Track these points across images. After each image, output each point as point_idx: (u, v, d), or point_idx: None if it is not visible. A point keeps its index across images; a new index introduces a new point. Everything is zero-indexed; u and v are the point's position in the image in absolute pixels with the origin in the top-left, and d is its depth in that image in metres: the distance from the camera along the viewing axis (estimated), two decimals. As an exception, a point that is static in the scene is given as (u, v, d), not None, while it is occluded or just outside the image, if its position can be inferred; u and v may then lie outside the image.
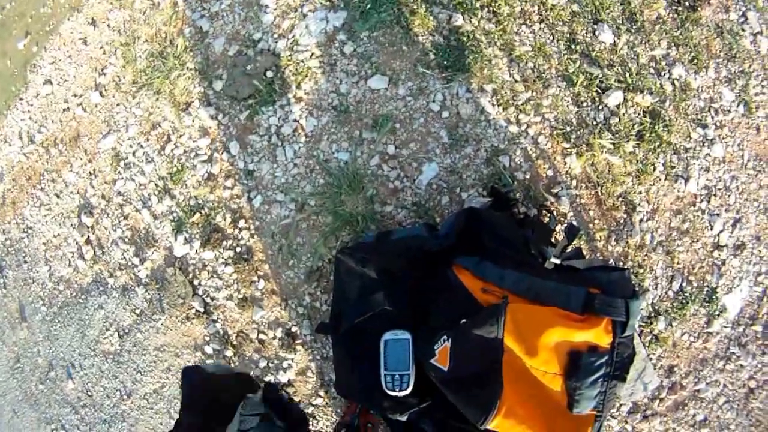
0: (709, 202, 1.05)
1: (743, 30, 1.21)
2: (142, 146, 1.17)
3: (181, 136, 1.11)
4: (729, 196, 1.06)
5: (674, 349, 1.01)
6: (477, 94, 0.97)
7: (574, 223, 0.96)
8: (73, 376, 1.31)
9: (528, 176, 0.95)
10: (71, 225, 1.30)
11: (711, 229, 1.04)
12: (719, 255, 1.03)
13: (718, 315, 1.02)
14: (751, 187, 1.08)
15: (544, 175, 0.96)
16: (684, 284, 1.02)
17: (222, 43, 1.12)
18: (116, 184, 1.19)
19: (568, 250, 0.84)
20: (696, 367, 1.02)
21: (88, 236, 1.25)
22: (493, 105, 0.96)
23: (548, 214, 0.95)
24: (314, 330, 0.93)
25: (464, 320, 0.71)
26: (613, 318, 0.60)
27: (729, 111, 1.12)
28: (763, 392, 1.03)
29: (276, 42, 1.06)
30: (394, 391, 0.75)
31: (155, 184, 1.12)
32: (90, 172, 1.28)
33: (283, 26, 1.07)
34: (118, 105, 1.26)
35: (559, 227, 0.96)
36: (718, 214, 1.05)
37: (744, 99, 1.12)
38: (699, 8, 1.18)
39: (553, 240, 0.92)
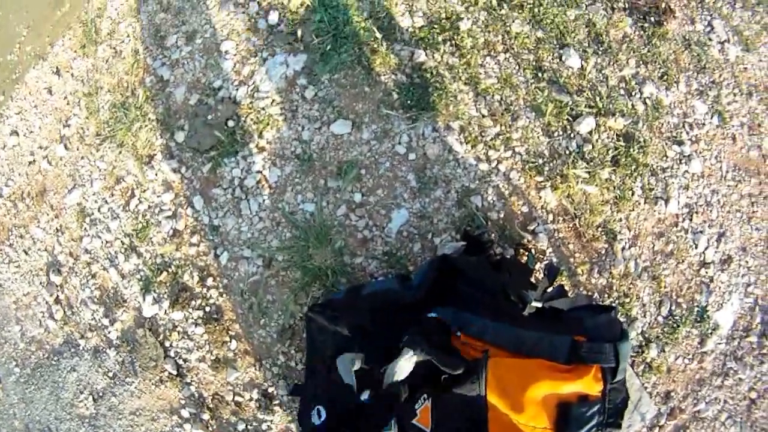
0: (691, 220, 1.03)
1: (710, 40, 1.19)
2: (107, 202, 1.14)
3: (144, 190, 1.08)
4: (711, 211, 1.04)
5: (669, 374, 0.98)
6: (444, 132, 0.94)
7: (554, 260, 0.93)
8: (51, 441, 1.26)
9: (502, 215, 0.92)
10: (40, 283, 1.26)
11: (696, 248, 1.01)
12: (706, 272, 1.01)
13: (711, 333, 0.99)
14: (732, 198, 1.06)
15: (519, 212, 0.93)
16: (673, 308, 0.99)
17: (183, 92, 1.10)
18: (83, 241, 1.16)
19: (550, 290, 0.81)
20: (693, 389, 0.99)
21: (57, 295, 1.21)
22: (461, 143, 0.94)
23: (526, 253, 0.93)
24: (289, 392, 0.89)
25: (444, 376, 0.68)
26: (602, 365, 0.57)
27: (703, 124, 1.09)
28: (765, 401, 1.00)
29: (236, 89, 1.04)
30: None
31: (121, 242, 1.09)
32: (57, 228, 1.24)
33: (243, 72, 1.05)
34: (82, 158, 1.23)
35: (538, 265, 0.93)
36: (701, 231, 1.02)
37: (717, 110, 1.11)
38: (665, 23, 1.16)
39: (533, 280, 0.90)
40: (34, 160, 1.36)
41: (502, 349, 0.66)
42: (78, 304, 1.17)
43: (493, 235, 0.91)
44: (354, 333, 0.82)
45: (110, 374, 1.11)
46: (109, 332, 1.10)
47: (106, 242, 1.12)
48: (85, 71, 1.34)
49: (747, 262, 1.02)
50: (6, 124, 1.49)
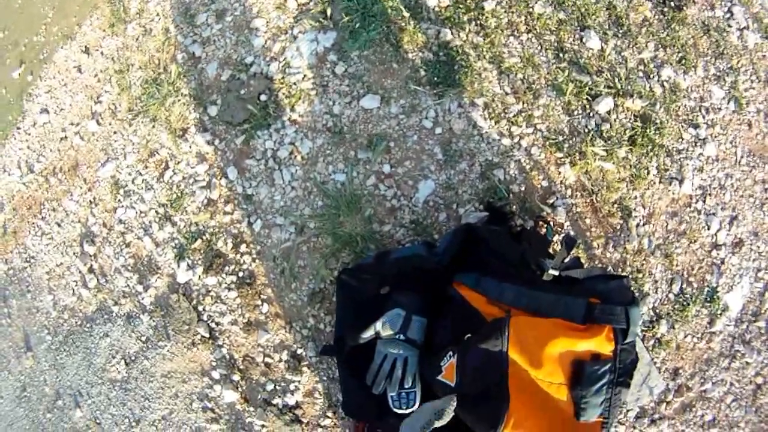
0: (704, 202, 1.06)
1: (729, 26, 1.22)
2: (140, 174, 1.20)
3: (178, 162, 1.13)
4: (724, 194, 1.08)
5: (678, 351, 1.02)
6: (468, 108, 0.99)
7: (571, 232, 0.98)
8: (81, 405, 1.32)
9: (523, 188, 0.97)
10: (73, 254, 1.32)
11: (708, 229, 1.05)
12: (718, 254, 1.05)
13: (720, 314, 1.03)
14: (745, 183, 1.10)
15: (539, 186, 0.98)
16: (684, 286, 1.03)
17: (215, 68, 1.15)
18: (117, 212, 1.21)
19: (566, 260, 0.86)
20: (701, 368, 1.03)
21: (91, 265, 1.27)
22: (485, 119, 0.98)
23: (545, 225, 0.97)
24: (319, 352, 0.94)
25: (468, 335, 0.72)
26: (614, 326, 0.62)
27: (720, 109, 1.13)
28: None
29: (268, 65, 1.09)
30: (401, 408, 0.77)
31: (156, 212, 1.14)
32: (90, 201, 1.30)
33: (274, 49, 1.10)
34: (115, 133, 1.29)
35: (556, 237, 0.97)
36: (714, 214, 1.06)
37: (734, 95, 1.14)
38: (685, 7, 1.20)
39: (550, 251, 0.94)
40: (65, 136, 1.42)
41: (521, 310, 0.71)
42: (111, 273, 1.23)
43: (514, 207, 0.96)
44: (382, 295, 0.87)
45: (143, 338, 1.18)
46: (142, 298, 1.16)
47: (140, 212, 1.18)
48: (115, 49, 1.39)
49: (758, 246, 1.06)
50: (36, 103, 1.54)
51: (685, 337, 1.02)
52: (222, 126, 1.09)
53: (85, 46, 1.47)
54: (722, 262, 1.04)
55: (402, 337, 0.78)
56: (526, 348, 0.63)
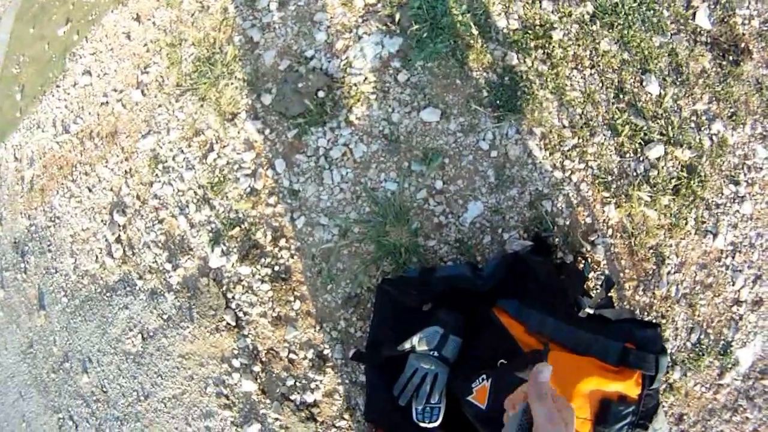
0: (734, 258, 1.05)
1: None
2: (183, 152, 1.14)
3: (225, 146, 1.08)
4: (753, 253, 1.07)
5: (686, 398, 1.03)
6: (526, 136, 0.96)
7: (608, 273, 0.96)
8: (89, 371, 1.28)
9: (568, 222, 0.94)
10: (102, 221, 1.27)
11: (733, 285, 1.04)
12: (738, 310, 1.04)
13: (731, 368, 1.03)
14: None
15: (583, 222, 0.96)
16: (702, 336, 1.03)
17: (272, 56, 1.09)
18: (153, 186, 1.16)
19: (601, 300, 0.85)
20: (704, 417, 1.04)
21: (119, 235, 1.22)
22: (540, 149, 0.95)
23: (583, 261, 0.96)
24: (350, 357, 0.91)
25: (502, 361, 0.71)
26: (644, 372, 0.62)
27: (761, 168, 1.11)
28: None
29: (329, 62, 1.04)
30: (423, 422, 0.75)
31: (194, 192, 1.09)
32: (126, 171, 1.24)
33: (337, 46, 1.05)
34: (159, 106, 1.23)
35: (592, 274, 0.96)
36: (740, 270, 1.05)
37: None
38: (742, 63, 1.17)
39: (585, 287, 0.93)
40: (107, 102, 1.35)
41: (558, 344, 0.70)
42: (140, 246, 1.18)
43: (557, 239, 0.94)
44: (422, 311, 0.85)
45: (165, 317, 1.13)
46: (170, 277, 1.11)
47: (178, 191, 1.12)
48: (168, 21, 1.32)
49: None
50: (79, 63, 1.46)
51: (695, 385, 1.02)
52: (275, 116, 1.04)
53: (137, 14, 1.40)
54: (740, 318, 1.04)
55: (436, 354, 0.76)
56: (560, 381, 0.62)
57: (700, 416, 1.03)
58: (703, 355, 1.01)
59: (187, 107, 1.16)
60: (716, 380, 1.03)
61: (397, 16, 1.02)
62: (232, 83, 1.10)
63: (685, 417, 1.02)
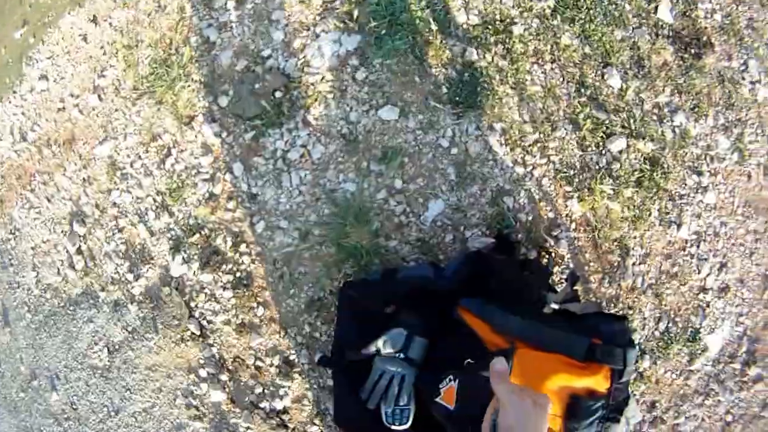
0: (698, 247, 1.06)
1: (743, 78, 1.20)
2: (140, 157, 1.09)
3: (182, 151, 1.04)
4: (717, 241, 1.08)
5: (657, 385, 1.03)
6: (486, 132, 0.94)
7: (573, 267, 0.96)
8: (58, 388, 1.24)
9: (530, 218, 0.93)
10: (62, 232, 1.22)
11: (698, 273, 1.05)
12: (704, 297, 1.05)
13: (700, 354, 1.04)
14: (738, 232, 1.10)
15: (546, 217, 0.95)
16: (670, 325, 1.03)
17: (229, 57, 1.05)
18: (112, 194, 1.11)
19: (560, 289, 0.85)
20: (676, 403, 1.05)
21: (80, 246, 1.17)
22: (501, 144, 0.94)
23: (546, 256, 0.95)
24: (316, 362, 0.90)
25: (469, 361, 0.71)
26: (613, 366, 0.62)
27: (723, 159, 1.12)
28: (739, 425, 1.06)
29: (286, 61, 1.00)
30: (394, 424, 0.74)
31: (153, 199, 1.05)
32: (84, 179, 1.19)
33: (295, 45, 1.01)
34: (116, 111, 1.18)
35: (556, 269, 0.95)
36: (706, 259, 1.06)
37: (738, 147, 1.13)
38: (704, 56, 1.17)
39: (550, 282, 0.93)
40: (64, 107, 1.29)
41: (524, 342, 0.69)
42: (101, 257, 1.13)
43: (520, 236, 0.93)
44: (384, 313, 0.84)
45: (129, 329, 1.10)
46: (132, 287, 1.08)
47: (137, 198, 1.08)
48: (125, 22, 1.26)
49: (742, 293, 1.07)
50: (36, 68, 1.40)
51: (665, 372, 1.03)
52: (232, 119, 1.00)
53: (94, 15, 1.34)
54: (707, 305, 1.05)
55: (402, 356, 0.75)
56: (528, 379, 0.62)
57: (672, 402, 1.04)
58: (672, 343, 1.01)
59: (144, 111, 1.12)
60: (686, 366, 1.04)
61: (356, 13, 0.99)
62: (188, 85, 1.06)
63: (657, 404, 1.03)
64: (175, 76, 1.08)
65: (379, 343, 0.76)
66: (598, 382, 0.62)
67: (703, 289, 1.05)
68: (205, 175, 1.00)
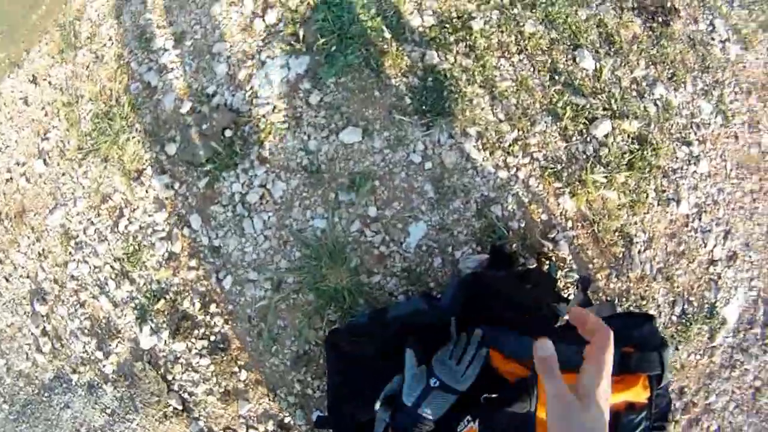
0: (700, 219, 0.96)
1: (713, 39, 1.12)
2: (93, 222, 0.96)
3: (134, 210, 0.91)
4: (718, 209, 0.98)
5: (683, 370, 0.93)
6: (460, 139, 0.82)
7: (575, 266, 0.83)
8: (48, 479, 1.09)
9: (522, 224, 0.81)
10: (24, 313, 1.07)
11: (705, 246, 0.95)
12: (715, 270, 0.95)
13: (720, 327, 0.94)
14: (736, 196, 1.01)
15: (539, 220, 0.83)
16: (686, 306, 0.93)
17: (172, 100, 0.92)
18: (69, 266, 0.97)
19: (573, 298, 0.73)
20: (705, 383, 0.95)
21: (44, 326, 1.02)
22: (478, 150, 0.82)
23: (547, 262, 0.83)
24: (314, 424, 0.76)
25: (486, 395, 0.59)
26: (649, 373, 0.52)
27: (709, 124, 1.02)
28: None
29: (233, 95, 0.88)
30: None
31: (111, 267, 0.92)
32: (39, 253, 1.05)
33: (240, 77, 0.89)
34: (63, 174, 1.04)
35: (560, 273, 0.83)
36: (709, 230, 0.96)
37: (721, 109, 1.04)
38: (672, 22, 1.07)
39: (556, 290, 0.81)
40: (11, 178, 1.15)
41: None
42: (67, 336, 0.99)
43: (514, 245, 0.80)
44: (380, 361, 0.71)
45: (108, 411, 0.95)
46: (103, 366, 0.93)
47: (95, 267, 0.94)
48: (63, 79, 1.13)
49: (750, 257, 0.98)
50: (-22, 139, 1.26)
51: (689, 356, 0.92)
52: (182, 167, 0.87)
53: (33, 75, 1.20)
54: (719, 277, 0.95)
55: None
56: None
57: (701, 383, 0.93)
58: (691, 324, 0.91)
59: (91, 171, 0.98)
60: (708, 344, 0.94)
61: (302, 33, 0.87)
62: (133, 137, 0.93)
63: (685, 389, 0.92)
64: (119, 128, 0.95)
65: (382, 396, 0.63)
66: (637, 393, 0.52)
67: (712, 262, 0.94)
68: (161, 234, 0.87)
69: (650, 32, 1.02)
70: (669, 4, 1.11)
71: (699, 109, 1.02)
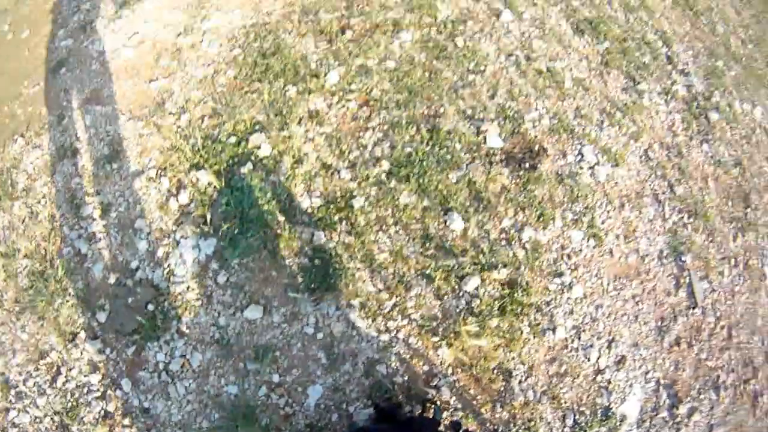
0: (579, 339, 1.04)
1: (581, 168, 1.23)
2: (32, 375, 1.04)
3: (71, 369, 1.01)
4: (597, 324, 1.06)
5: None
6: (346, 310, 0.97)
7: (459, 405, 0.95)
8: None
9: (406, 378, 0.97)
10: (-24, 457, 1.15)
11: (588, 360, 1.03)
12: (603, 377, 1.02)
13: (620, 425, 0.99)
14: (616, 306, 1.08)
15: (421, 371, 0.98)
16: (577, 417, 1.00)
17: (101, 269, 1.03)
18: (9, 413, 1.04)
19: None
20: None
21: (-6, 471, 1.12)
22: (362, 318, 0.97)
23: (432, 406, 0.97)
24: None
25: None
26: None
27: (580, 250, 1.13)
28: None
29: (153, 271, 1.00)
30: None
31: (52, 419, 1.01)
32: (-16, 399, 1.13)
33: (158, 254, 1.00)
34: (2, 324, 1.10)
35: (446, 414, 0.95)
36: (591, 345, 1.04)
37: (592, 233, 1.14)
38: (539, 164, 1.18)
39: (440, 429, 0.90)
40: (-48, 325, 1.21)
41: None
42: (19, 476, 1.09)
43: (400, 397, 0.95)
44: None
45: None
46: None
47: (36, 418, 1.03)
48: (1, 228, 1.19)
49: (641, 354, 1.04)
50: None
51: None
52: (112, 334, 0.99)
53: (-32, 223, 1.24)
54: (609, 383, 1.01)
55: None
56: None
57: None
58: (586, 431, 0.97)
59: (29, 327, 1.07)
60: None
61: (209, 216, 1.00)
62: (67, 300, 1.03)
63: None
64: (53, 290, 1.04)
65: None
66: None
67: (599, 371, 1.01)
68: (96, 393, 0.99)
69: (517, 180, 1.15)
70: (537, 147, 1.21)
71: (569, 239, 1.13)
